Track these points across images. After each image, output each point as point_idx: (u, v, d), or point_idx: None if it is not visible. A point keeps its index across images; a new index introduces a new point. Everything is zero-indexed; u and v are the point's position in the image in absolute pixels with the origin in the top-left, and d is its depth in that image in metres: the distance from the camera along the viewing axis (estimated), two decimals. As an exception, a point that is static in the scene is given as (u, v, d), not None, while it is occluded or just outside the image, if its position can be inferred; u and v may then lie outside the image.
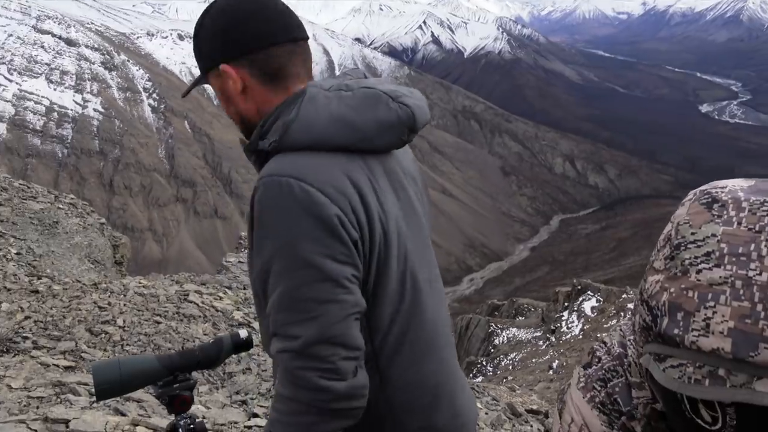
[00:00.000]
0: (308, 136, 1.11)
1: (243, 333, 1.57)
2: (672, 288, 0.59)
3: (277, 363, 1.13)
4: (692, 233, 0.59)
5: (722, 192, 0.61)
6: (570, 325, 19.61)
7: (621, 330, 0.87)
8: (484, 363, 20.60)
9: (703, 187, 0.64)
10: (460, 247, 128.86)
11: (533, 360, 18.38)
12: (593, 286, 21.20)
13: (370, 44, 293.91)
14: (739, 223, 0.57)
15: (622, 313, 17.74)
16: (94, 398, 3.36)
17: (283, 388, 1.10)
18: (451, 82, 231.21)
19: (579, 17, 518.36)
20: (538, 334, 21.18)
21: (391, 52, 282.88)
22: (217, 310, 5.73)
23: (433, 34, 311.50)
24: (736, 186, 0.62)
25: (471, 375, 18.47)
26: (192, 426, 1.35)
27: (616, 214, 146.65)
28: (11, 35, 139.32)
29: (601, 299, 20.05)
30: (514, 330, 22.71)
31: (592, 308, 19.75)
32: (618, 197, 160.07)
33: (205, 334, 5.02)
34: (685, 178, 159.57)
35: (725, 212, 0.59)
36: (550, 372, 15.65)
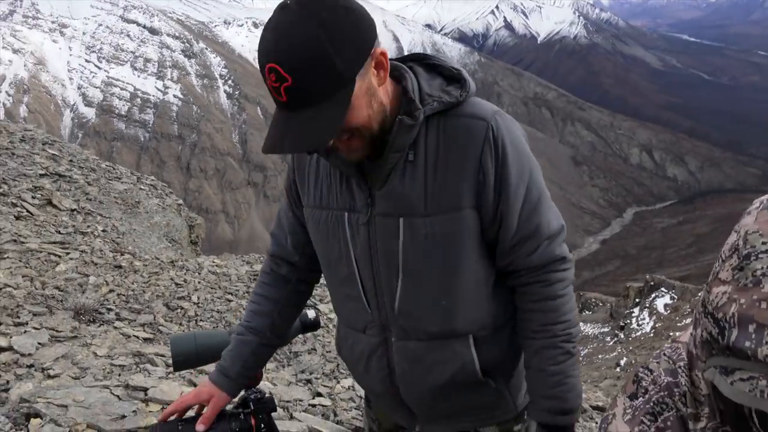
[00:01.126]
0: (473, 86, 1.25)
1: (311, 314, 1.63)
2: (742, 299, 0.56)
3: (541, 274, 1.30)
4: (763, 242, 0.57)
5: None
6: (641, 322, 18.87)
7: (666, 356, 0.84)
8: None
9: None
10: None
11: (599, 356, 17.85)
12: (667, 283, 20.25)
13: (441, 30, 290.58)
14: None
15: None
16: (171, 369, 3.57)
17: (558, 285, 1.30)
18: (523, 69, 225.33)
19: (662, 0, 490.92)
20: (606, 329, 20.53)
21: (462, 38, 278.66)
22: (285, 292, 5.91)
23: (505, 19, 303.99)
24: None
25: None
26: (261, 400, 1.40)
27: (696, 208, 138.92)
28: (101, 25, 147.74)
29: (676, 297, 19.15)
30: (580, 324, 22.09)
31: (666, 306, 18.90)
32: (698, 190, 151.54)
33: (272, 314, 5.19)
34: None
35: None
36: (617, 369, 15.16)
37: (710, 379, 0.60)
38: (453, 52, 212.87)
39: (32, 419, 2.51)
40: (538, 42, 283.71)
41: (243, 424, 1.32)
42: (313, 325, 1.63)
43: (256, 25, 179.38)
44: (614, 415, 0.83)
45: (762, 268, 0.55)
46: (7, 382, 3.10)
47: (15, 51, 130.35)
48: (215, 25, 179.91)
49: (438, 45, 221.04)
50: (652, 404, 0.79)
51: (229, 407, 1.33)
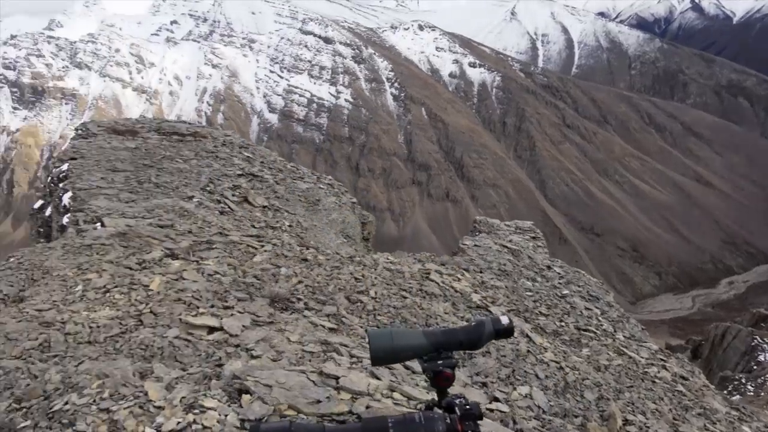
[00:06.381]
0: None
1: (504, 320, 1.55)
2: None
3: None
4: None
5: None
6: None
7: None
8: (743, 381, 17.84)
9: None
10: (716, 244, 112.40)
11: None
12: None
13: (616, 18, 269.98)
14: None
15: None
16: (354, 359, 3.74)
17: None
18: (714, 54, 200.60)
19: None
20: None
21: (640, 24, 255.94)
22: (456, 291, 5.91)
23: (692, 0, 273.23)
24: None
25: (726, 392, 16.07)
26: (468, 407, 1.37)
27: None
28: (283, 38, 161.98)
29: None
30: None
31: None
32: None
33: (445, 313, 5.22)
34: None
35: None
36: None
37: None
38: (630, 40, 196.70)
39: (244, 395, 2.79)
40: (734, 22, 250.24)
41: (450, 428, 1.30)
42: (507, 332, 1.54)
43: (421, 28, 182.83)
44: None
45: None
46: (220, 358, 3.50)
47: (213, 66, 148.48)
48: (383, 31, 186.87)
49: (613, 34, 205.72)
50: None
51: (421, 406, 1.23)
